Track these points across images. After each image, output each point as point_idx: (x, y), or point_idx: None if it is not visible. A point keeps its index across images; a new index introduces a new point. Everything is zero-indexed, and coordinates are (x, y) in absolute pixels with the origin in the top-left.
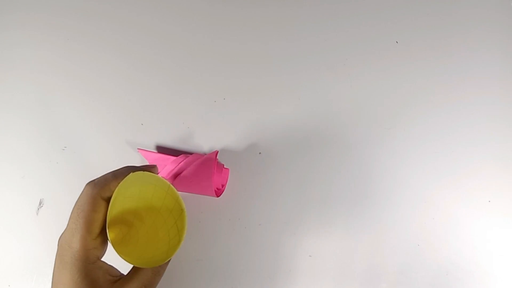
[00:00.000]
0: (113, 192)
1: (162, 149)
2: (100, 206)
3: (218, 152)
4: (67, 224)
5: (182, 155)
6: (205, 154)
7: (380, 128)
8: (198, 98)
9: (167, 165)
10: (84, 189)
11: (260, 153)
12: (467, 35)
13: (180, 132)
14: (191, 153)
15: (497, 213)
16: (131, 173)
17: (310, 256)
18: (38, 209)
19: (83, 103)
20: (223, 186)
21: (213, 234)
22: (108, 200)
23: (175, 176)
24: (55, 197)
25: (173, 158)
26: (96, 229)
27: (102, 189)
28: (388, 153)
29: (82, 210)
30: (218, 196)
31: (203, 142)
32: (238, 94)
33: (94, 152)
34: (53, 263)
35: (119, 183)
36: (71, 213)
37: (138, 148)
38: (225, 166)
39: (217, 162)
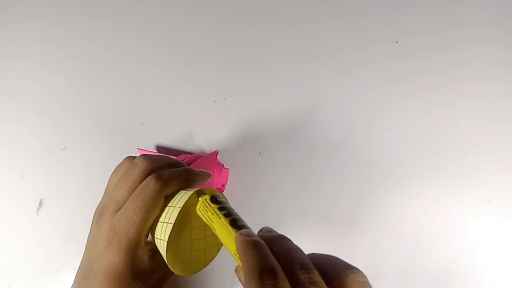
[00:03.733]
0: (172, 192)
1: (162, 149)
2: (161, 202)
3: (218, 152)
4: (124, 210)
5: (182, 155)
6: (205, 154)
7: (380, 128)
8: (198, 98)
9: None
10: (150, 181)
11: (260, 153)
12: (467, 35)
13: (180, 132)
14: (191, 153)
15: (497, 213)
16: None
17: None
18: (38, 209)
19: (83, 103)
20: (223, 186)
21: None
22: (166, 197)
23: None
24: (55, 197)
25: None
26: (151, 221)
27: (167, 188)
28: (388, 153)
29: (147, 205)
30: None
31: (203, 142)
32: (238, 94)
33: (94, 152)
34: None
35: (179, 182)
36: (132, 201)
37: (138, 148)
38: (225, 166)
39: (217, 162)
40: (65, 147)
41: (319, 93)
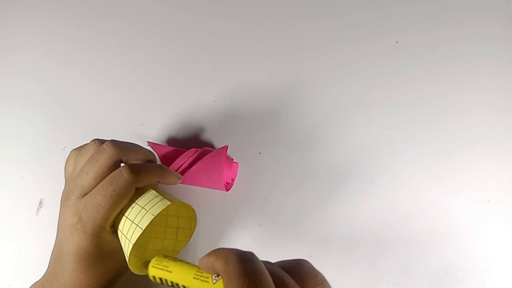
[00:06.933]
0: (143, 185)
1: (172, 142)
2: (131, 193)
3: (228, 146)
4: (92, 196)
5: (192, 149)
6: (215, 148)
7: (380, 128)
8: (198, 98)
9: (177, 159)
10: (124, 171)
11: (260, 153)
12: (467, 35)
13: (180, 132)
14: (201, 147)
15: (497, 213)
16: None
17: (310, 256)
18: (38, 209)
19: (83, 103)
20: (232, 180)
21: (213, 234)
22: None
23: (186, 170)
24: (55, 197)
25: (183, 151)
26: (119, 210)
27: (139, 181)
28: (388, 153)
29: (117, 194)
30: (227, 190)
31: (203, 142)
32: (238, 94)
33: None
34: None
35: (152, 178)
36: (102, 188)
37: (147, 141)
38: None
39: (227, 156)
40: (65, 147)
41: (319, 93)
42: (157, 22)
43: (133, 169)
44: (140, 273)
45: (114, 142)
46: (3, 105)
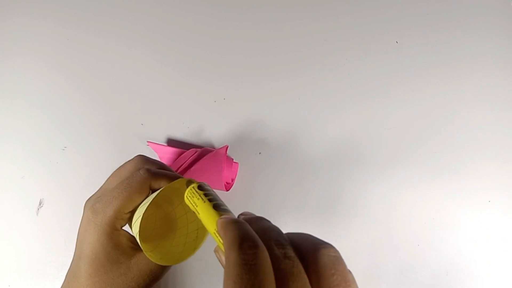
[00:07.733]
0: (160, 187)
1: (172, 142)
2: (145, 192)
3: (228, 146)
4: (109, 190)
5: (192, 149)
6: (215, 148)
7: (380, 128)
8: (198, 98)
9: (177, 159)
10: (141, 170)
11: (260, 153)
12: (467, 35)
13: (180, 132)
14: (201, 147)
15: (497, 213)
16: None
17: None
18: (38, 209)
19: (83, 103)
20: (232, 180)
21: None
22: (153, 191)
23: (186, 170)
24: (55, 197)
25: (183, 151)
26: (131, 207)
27: (155, 181)
28: (388, 153)
29: (131, 187)
30: (227, 190)
31: (203, 142)
32: (238, 94)
33: (94, 152)
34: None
35: (167, 181)
36: (119, 183)
37: (147, 141)
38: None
39: (227, 156)
40: (65, 147)
41: (319, 93)
42: (157, 22)
43: (150, 168)
44: (154, 259)
45: (141, 155)
46: (3, 105)
